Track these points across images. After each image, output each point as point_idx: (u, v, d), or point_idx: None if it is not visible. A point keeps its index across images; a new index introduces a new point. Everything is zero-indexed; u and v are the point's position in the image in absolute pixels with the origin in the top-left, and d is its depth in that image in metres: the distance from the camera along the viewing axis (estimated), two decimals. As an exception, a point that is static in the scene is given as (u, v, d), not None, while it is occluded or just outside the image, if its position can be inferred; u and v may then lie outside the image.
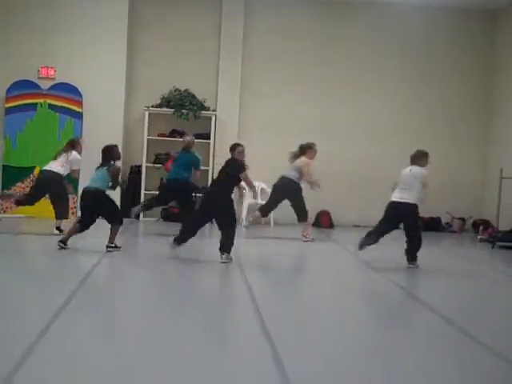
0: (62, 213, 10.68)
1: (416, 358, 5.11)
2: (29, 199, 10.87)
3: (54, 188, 10.64)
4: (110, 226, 9.20)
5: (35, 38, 13.14)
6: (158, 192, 12.46)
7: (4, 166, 13.11)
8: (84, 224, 9.20)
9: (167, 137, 13.70)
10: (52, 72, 13.27)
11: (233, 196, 9.12)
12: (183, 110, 13.58)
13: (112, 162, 9.32)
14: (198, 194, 11.78)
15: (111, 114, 13.24)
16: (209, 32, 14.06)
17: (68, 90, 13.19)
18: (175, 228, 11.30)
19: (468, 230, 14.26)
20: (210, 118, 13.79)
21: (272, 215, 13.14)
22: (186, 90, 13.78)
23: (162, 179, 13.35)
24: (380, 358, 5.04)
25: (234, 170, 8.97)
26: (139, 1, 13.92)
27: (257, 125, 14.02)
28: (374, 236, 9.21)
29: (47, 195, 10.86)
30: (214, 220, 9.45)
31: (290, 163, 11.51)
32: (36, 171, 12.45)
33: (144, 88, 13.89)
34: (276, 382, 4.30)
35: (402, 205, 9.06)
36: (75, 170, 10.81)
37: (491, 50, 14.50)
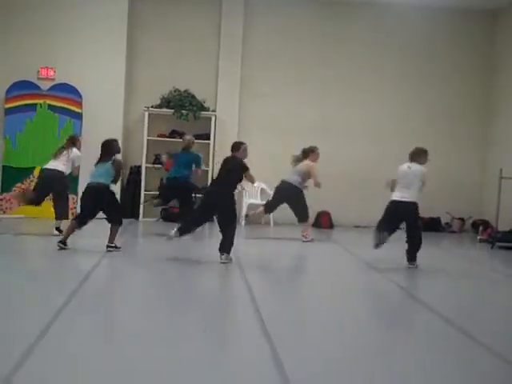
0: (61, 213, 10.66)
1: (416, 358, 5.11)
2: (35, 199, 10.80)
3: (57, 186, 10.60)
4: (109, 225, 9.20)
5: (35, 38, 13.14)
6: (158, 192, 12.46)
7: (4, 167, 13.11)
8: (82, 220, 9.16)
9: (167, 137, 13.70)
10: (52, 73, 13.27)
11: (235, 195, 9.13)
12: (183, 111, 13.58)
13: (114, 157, 9.32)
14: (197, 195, 11.77)
15: (111, 115, 13.23)
16: (208, 32, 14.06)
17: (68, 90, 13.20)
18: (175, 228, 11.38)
19: (468, 230, 14.27)
20: (210, 119, 13.79)
21: (272, 215, 13.15)
22: (185, 91, 13.78)
23: (161, 180, 13.36)
24: (380, 358, 5.04)
25: (237, 169, 8.94)
26: (139, 1, 13.92)
27: (257, 125, 14.02)
28: (386, 234, 9.15)
29: (50, 194, 10.81)
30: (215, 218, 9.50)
31: (293, 166, 11.52)
32: (36, 172, 12.45)
33: (144, 88, 13.89)
34: (276, 382, 4.30)
35: (403, 204, 9.04)
36: (77, 166, 10.79)
37: (491, 50, 14.50)
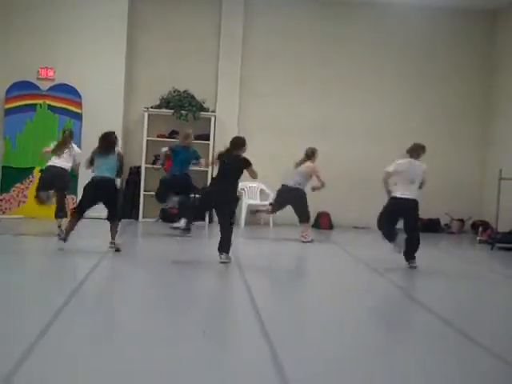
0: (62, 213, 10.62)
1: (415, 358, 5.10)
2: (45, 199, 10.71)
3: (60, 183, 10.56)
4: (109, 223, 9.16)
5: (35, 38, 13.15)
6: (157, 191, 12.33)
7: (3, 167, 13.11)
8: (81, 210, 9.16)
9: (166, 138, 13.69)
10: (51, 73, 13.27)
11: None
12: (182, 111, 13.58)
13: (117, 148, 9.32)
14: (197, 195, 11.75)
15: (110, 115, 13.21)
16: (208, 32, 14.07)
17: (67, 90, 13.21)
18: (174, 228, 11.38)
19: (467, 231, 14.27)
20: (210, 119, 13.79)
21: (271, 216, 13.14)
22: (185, 91, 13.78)
23: (161, 180, 13.35)
24: (380, 358, 5.04)
25: (238, 165, 8.80)
26: (139, 1, 13.92)
27: (257, 125, 14.01)
28: (400, 236, 9.13)
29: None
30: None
31: (295, 168, 11.49)
32: (36, 172, 12.46)
33: (143, 89, 13.90)
34: (276, 382, 4.30)
35: (403, 200, 8.99)
36: (78, 163, 10.77)
37: (491, 50, 14.51)
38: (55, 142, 10.68)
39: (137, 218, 13.58)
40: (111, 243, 9.12)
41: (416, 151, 9.24)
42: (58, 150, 10.52)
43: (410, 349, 5.39)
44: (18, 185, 13.01)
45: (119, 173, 9.39)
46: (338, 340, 5.51)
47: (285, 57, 14.24)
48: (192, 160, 11.51)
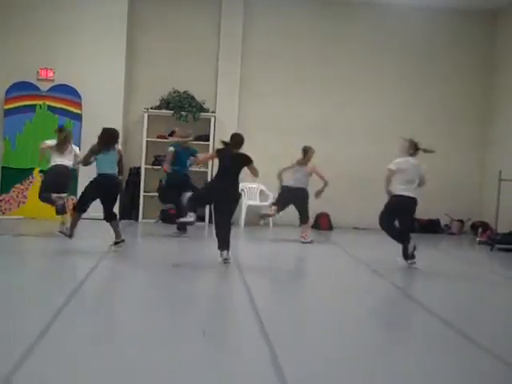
0: (62, 208, 10.63)
1: (415, 358, 5.10)
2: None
3: (67, 181, 10.62)
4: (110, 224, 9.16)
5: (34, 38, 13.16)
6: (158, 193, 12.28)
7: (3, 168, 13.11)
8: (82, 207, 9.17)
9: (166, 139, 13.67)
10: (51, 73, 13.27)
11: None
12: (182, 112, 13.58)
13: (117, 145, 9.33)
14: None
15: (110, 116, 13.15)
16: (208, 32, 14.07)
17: (67, 91, 13.20)
18: (174, 229, 11.37)
19: (467, 232, 14.27)
20: (210, 120, 13.79)
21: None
22: (185, 92, 13.78)
23: (160, 181, 13.33)
24: (380, 359, 5.03)
25: (239, 163, 8.75)
26: (139, 1, 13.93)
27: (256, 125, 14.00)
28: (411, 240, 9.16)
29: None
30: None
31: (297, 165, 11.44)
32: (35, 173, 12.46)
33: (143, 89, 13.90)
34: (275, 382, 4.29)
35: (404, 198, 9.02)
36: (78, 161, 10.82)
37: (491, 50, 14.52)
38: (53, 140, 10.70)
39: (137, 219, 13.58)
40: (116, 243, 9.11)
41: (414, 148, 9.27)
42: (59, 148, 10.55)
43: (410, 349, 5.39)
44: (17, 185, 13.02)
45: (120, 169, 9.39)
46: (338, 340, 5.51)
47: (285, 57, 14.24)
48: (189, 157, 11.39)
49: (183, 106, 13.60)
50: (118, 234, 9.17)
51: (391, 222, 9.11)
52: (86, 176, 9.66)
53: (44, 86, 13.20)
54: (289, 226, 12.64)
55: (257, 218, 12.67)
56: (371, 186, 13.62)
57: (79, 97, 13.21)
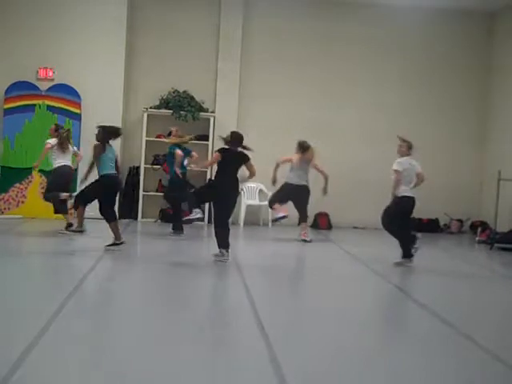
0: (64, 207, 10.64)
1: (415, 359, 5.10)
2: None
3: (71, 182, 10.66)
4: (108, 223, 9.16)
5: (34, 38, 13.14)
6: (163, 193, 12.24)
7: (2, 167, 13.10)
8: (85, 203, 9.20)
9: (165, 138, 13.67)
10: (51, 73, 13.26)
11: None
12: (182, 112, 13.57)
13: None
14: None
15: (109, 116, 13.10)
16: (207, 32, 14.05)
17: (66, 91, 13.19)
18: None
19: (466, 231, 14.28)
20: (209, 120, 13.78)
21: (270, 216, 13.14)
22: (184, 92, 13.77)
23: (160, 181, 13.37)
24: (380, 359, 5.04)
25: (239, 160, 8.82)
26: (138, 1, 13.91)
27: (256, 125, 13.97)
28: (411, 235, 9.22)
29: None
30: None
31: (300, 161, 11.43)
32: (35, 172, 12.44)
33: (142, 89, 13.88)
34: (275, 382, 4.30)
35: (407, 198, 9.11)
36: (81, 157, 10.88)
37: (489, 50, 14.51)
38: (54, 139, 10.74)
39: (136, 218, 13.58)
40: (116, 244, 9.11)
41: (411, 149, 9.33)
42: (62, 147, 10.61)
43: (410, 349, 5.40)
44: (16, 185, 13.00)
45: (117, 168, 9.42)
46: (338, 340, 5.52)
47: (284, 57, 14.23)
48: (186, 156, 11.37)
49: (183, 106, 13.59)
50: (117, 236, 9.16)
51: (395, 223, 9.14)
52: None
53: (43, 86, 13.19)
54: (288, 226, 12.63)
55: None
56: (370, 186, 13.66)
57: (79, 96, 13.20)
